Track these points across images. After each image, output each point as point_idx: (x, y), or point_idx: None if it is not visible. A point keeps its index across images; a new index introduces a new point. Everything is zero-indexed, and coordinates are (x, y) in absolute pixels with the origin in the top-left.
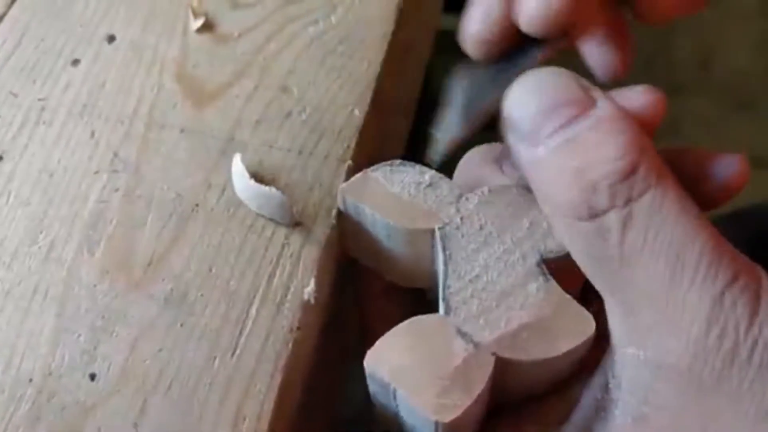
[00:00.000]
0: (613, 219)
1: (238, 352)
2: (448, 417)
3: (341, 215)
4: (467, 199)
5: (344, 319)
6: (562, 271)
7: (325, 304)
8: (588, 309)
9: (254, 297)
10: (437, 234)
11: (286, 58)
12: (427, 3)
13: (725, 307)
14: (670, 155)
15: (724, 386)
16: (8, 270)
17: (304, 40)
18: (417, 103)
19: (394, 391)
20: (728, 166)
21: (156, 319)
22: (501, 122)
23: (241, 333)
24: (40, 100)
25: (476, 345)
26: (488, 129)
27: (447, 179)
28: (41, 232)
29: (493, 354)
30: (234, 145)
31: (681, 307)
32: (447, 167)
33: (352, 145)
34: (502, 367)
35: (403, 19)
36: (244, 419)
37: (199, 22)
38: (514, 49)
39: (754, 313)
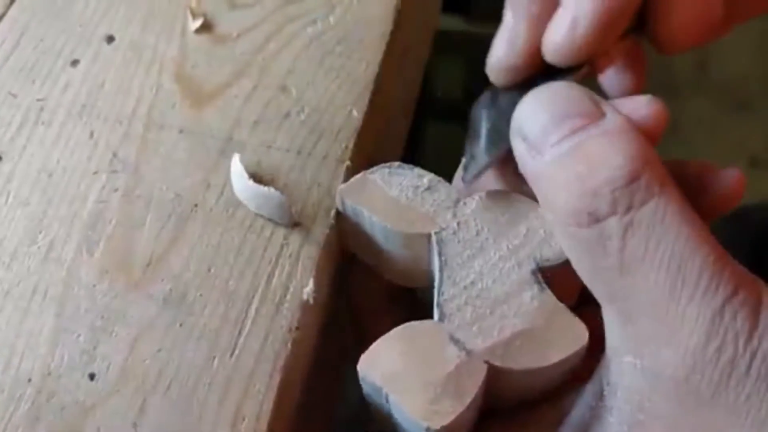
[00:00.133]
0: (613, 226)
1: (237, 352)
2: (438, 423)
3: (340, 215)
4: (465, 203)
5: (342, 319)
6: (558, 280)
7: (324, 304)
8: (583, 318)
9: (253, 297)
10: (433, 239)
11: (284, 59)
12: (426, 3)
13: (725, 320)
14: (672, 167)
15: (722, 399)
16: (8, 270)
17: (303, 40)
18: (416, 104)
19: (387, 395)
20: (728, 178)
21: (155, 319)
22: (511, 131)
23: (240, 333)
24: (39, 100)
25: (469, 352)
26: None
27: (445, 183)
28: (40, 232)
29: (486, 362)
30: (233, 145)
31: (680, 318)
32: (446, 170)
33: (351, 145)
34: (495, 374)
35: (401, 19)
36: (244, 419)
37: (198, 23)
38: (539, 76)
39: (753, 326)
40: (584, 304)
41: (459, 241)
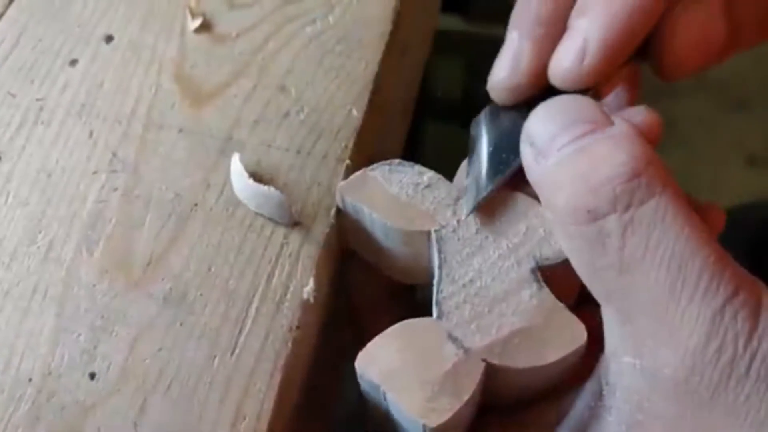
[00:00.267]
0: (613, 224)
1: (237, 351)
2: (436, 421)
3: (340, 212)
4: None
5: (341, 318)
6: (557, 279)
7: (324, 303)
8: (582, 317)
9: (254, 296)
10: (433, 236)
11: (284, 58)
12: (425, 3)
13: (725, 321)
14: None
15: (721, 399)
16: (7, 270)
17: (302, 40)
18: (415, 103)
19: (384, 393)
20: (710, 211)
21: (155, 318)
22: (521, 139)
23: (240, 332)
24: (38, 100)
25: (467, 350)
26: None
27: (445, 181)
28: (40, 232)
29: (484, 360)
30: (232, 144)
31: (680, 318)
32: (446, 170)
33: (350, 144)
34: (492, 373)
35: (400, 19)
36: (244, 418)
37: (197, 22)
38: (540, 95)
39: (753, 327)
40: (583, 304)
41: (458, 239)
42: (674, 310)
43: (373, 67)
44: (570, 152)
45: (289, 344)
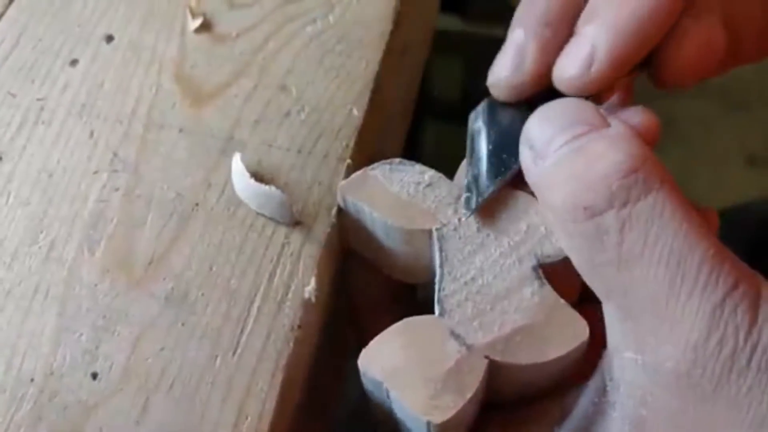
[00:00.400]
0: (610, 220)
1: (239, 350)
2: (439, 418)
3: (341, 211)
4: None
5: (342, 317)
6: (559, 276)
7: (325, 302)
8: (584, 314)
9: (255, 296)
10: (434, 235)
11: (284, 58)
12: (425, 3)
13: (725, 314)
14: None
15: (723, 392)
16: (9, 270)
17: (303, 39)
18: (415, 103)
19: (387, 390)
20: (704, 214)
21: (157, 318)
22: (520, 142)
23: (242, 332)
24: (38, 100)
25: (469, 347)
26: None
27: (446, 179)
28: (41, 232)
29: (486, 357)
30: (233, 144)
31: (680, 312)
32: (445, 170)
33: (351, 144)
34: (495, 369)
35: (400, 18)
36: (246, 418)
37: (198, 22)
38: (541, 93)
39: (753, 320)
40: (586, 301)
41: (460, 237)
42: (674, 304)
43: (373, 67)
44: (567, 152)
45: (291, 344)
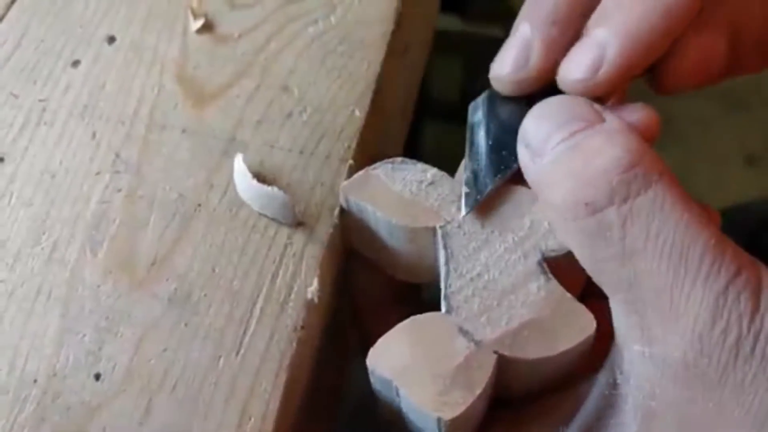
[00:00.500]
0: (612, 216)
1: (242, 351)
2: (450, 414)
3: (343, 211)
4: None
5: (343, 318)
6: (564, 269)
7: (328, 303)
8: (590, 307)
9: (258, 296)
10: (438, 232)
11: (286, 59)
12: (425, 2)
13: (728, 302)
14: None
15: (729, 380)
16: (11, 271)
17: (305, 40)
18: (415, 104)
19: (397, 388)
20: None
21: (160, 319)
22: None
23: (245, 332)
24: (40, 101)
25: (478, 343)
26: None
27: (449, 177)
28: (44, 233)
29: (495, 352)
30: (235, 145)
31: (685, 303)
32: (445, 170)
33: (353, 144)
34: (504, 364)
35: (401, 18)
36: (250, 419)
37: (199, 23)
38: (544, 90)
39: (755, 307)
40: (590, 296)
41: (464, 234)
42: (679, 295)
43: (375, 68)
44: (564, 149)
45: (294, 344)
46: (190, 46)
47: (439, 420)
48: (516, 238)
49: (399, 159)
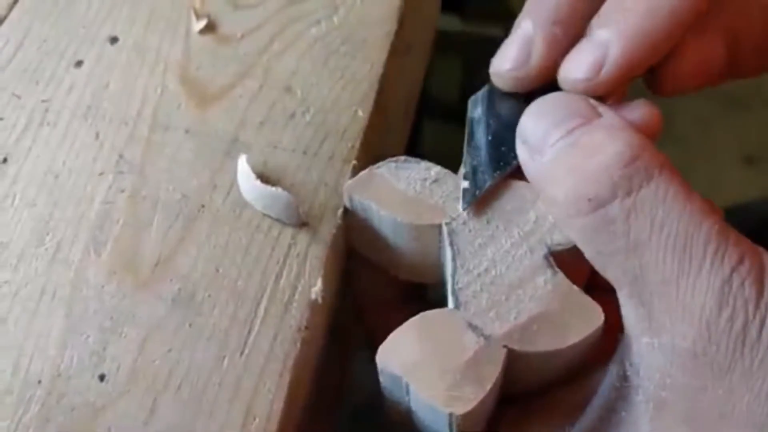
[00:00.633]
0: (616, 210)
1: (246, 351)
2: (461, 410)
3: (347, 211)
4: None
5: (346, 319)
6: (570, 263)
7: (332, 303)
8: (597, 300)
9: (262, 297)
10: (444, 229)
11: (289, 59)
12: (427, 3)
13: (734, 289)
14: None
15: (737, 366)
16: (15, 272)
17: (307, 40)
18: (417, 104)
19: (407, 385)
20: None
21: (164, 319)
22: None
23: (249, 333)
24: (43, 101)
25: (487, 338)
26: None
27: (452, 175)
28: (48, 234)
29: (504, 346)
30: (238, 145)
31: (691, 292)
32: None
33: (357, 145)
34: (514, 359)
35: (403, 18)
36: (254, 419)
37: (202, 24)
38: (546, 87)
39: (760, 292)
40: (595, 289)
41: (470, 231)
42: (685, 285)
43: (378, 68)
44: (563, 146)
45: (298, 344)
46: (192, 46)
47: (450, 415)
48: (521, 233)
49: (402, 158)
